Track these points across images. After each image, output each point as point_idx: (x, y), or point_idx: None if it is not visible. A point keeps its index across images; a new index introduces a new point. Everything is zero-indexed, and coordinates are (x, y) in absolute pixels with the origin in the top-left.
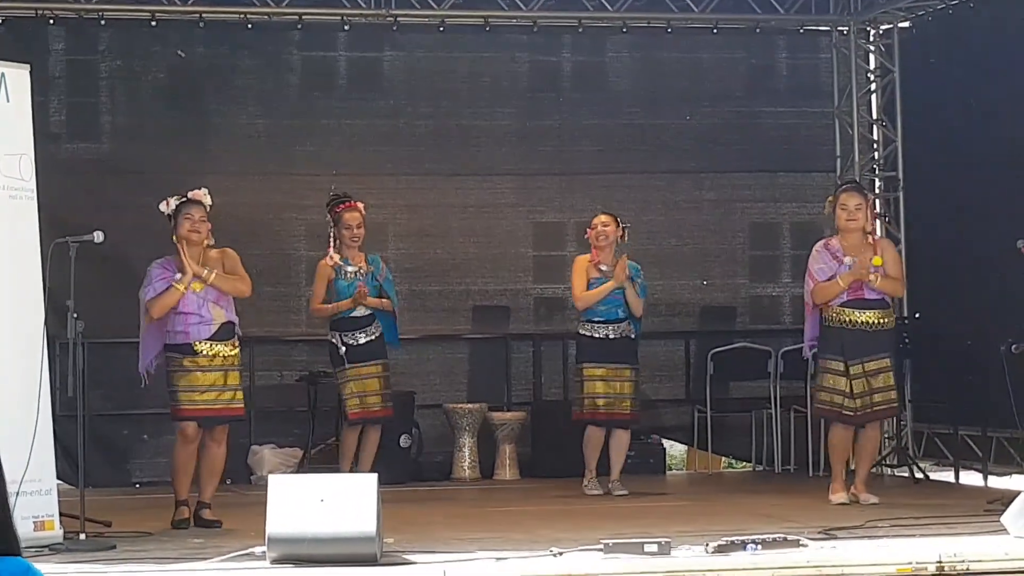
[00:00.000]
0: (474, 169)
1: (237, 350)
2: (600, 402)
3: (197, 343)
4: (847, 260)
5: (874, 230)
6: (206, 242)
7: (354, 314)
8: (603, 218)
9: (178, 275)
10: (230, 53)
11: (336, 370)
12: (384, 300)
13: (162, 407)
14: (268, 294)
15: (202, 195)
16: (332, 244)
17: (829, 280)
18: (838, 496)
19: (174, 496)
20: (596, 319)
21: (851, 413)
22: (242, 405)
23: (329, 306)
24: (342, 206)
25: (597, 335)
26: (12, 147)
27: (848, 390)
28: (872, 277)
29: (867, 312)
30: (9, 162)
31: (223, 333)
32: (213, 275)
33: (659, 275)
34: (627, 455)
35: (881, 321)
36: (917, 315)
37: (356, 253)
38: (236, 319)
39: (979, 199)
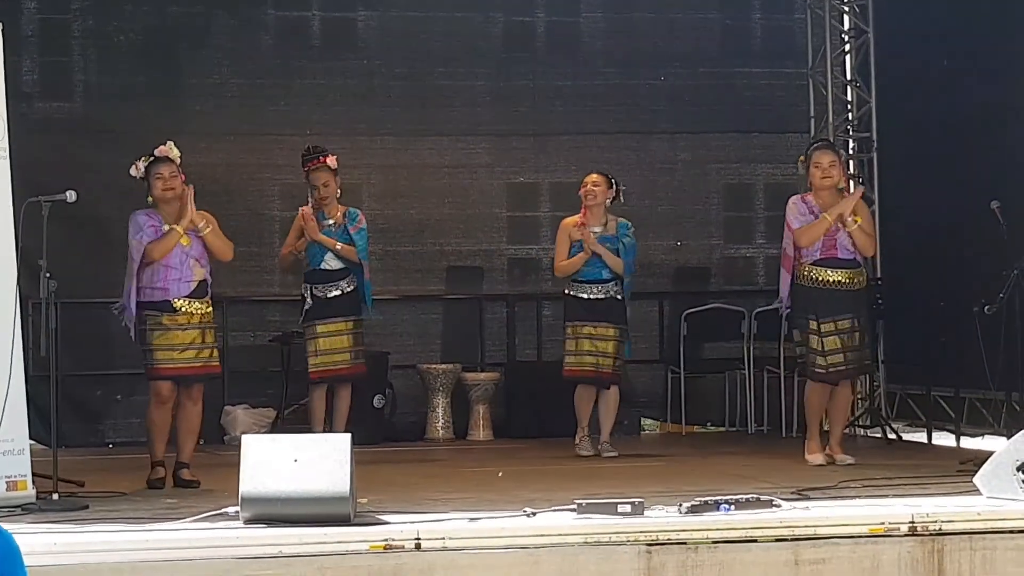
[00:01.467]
0: (448, 129)
1: (211, 308)
2: (588, 359)
3: (176, 300)
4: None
5: (847, 187)
6: (184, 190)
7: (327, 267)
8: (594, 177)
9: (165, 226)
10: (204, 12)
11: (303, 325)
12: (346, 246)
13: (135, 367)
14: (241, 254)
15: (168, 149)
16: (310, 198)
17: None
18: (815, 457)
19: (150, 457)
20: (581, 279)
21: (823, 371)
22: (218, 363)
23: (287, 250)
24: (310, 164)
25: (583, 295)
26: None
27: (820, 348)
28: (851, 220)
29: (839, 271)
30: None
31: (199, 291)
32: (208, 228)
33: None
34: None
35: (852, 280)
36: (879, 280)
37: (333, 208)
38: (210, 278)
39: (953, 160)
